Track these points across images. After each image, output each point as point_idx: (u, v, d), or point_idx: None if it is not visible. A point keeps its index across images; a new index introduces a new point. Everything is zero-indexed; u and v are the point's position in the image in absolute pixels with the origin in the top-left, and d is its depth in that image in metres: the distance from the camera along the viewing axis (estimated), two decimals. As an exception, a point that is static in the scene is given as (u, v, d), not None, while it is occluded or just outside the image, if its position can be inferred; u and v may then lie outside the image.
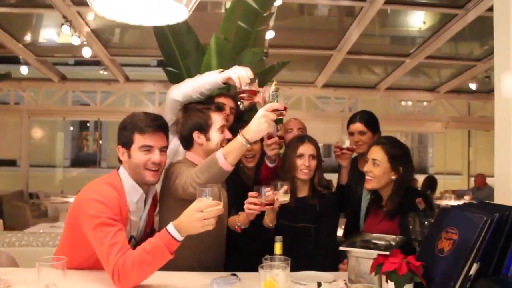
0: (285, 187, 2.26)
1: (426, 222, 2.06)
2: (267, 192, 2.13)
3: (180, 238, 1.77)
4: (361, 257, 1.96)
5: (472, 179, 11.53)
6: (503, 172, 1.84)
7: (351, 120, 3.08)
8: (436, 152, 14.55)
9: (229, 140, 2.22)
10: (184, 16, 1.90)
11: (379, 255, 1.83)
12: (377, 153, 2.41)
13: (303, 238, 2.53)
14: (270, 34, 5.82)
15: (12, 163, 10.04)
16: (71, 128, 15.34)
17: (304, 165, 2.57)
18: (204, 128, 2.25)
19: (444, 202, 8.25)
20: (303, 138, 2.69)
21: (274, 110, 1.91)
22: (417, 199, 2.07)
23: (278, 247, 1.99)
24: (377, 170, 2.39)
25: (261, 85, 3.82)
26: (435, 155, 14.94)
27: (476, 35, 6.84)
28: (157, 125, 2.05)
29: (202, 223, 1.73)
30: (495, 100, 1.89)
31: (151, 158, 2.02)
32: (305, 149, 2.60)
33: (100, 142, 13.28)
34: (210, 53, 3.53)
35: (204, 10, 5.76)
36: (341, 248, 1.97)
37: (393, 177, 2.39)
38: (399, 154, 2.42)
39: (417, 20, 6.60)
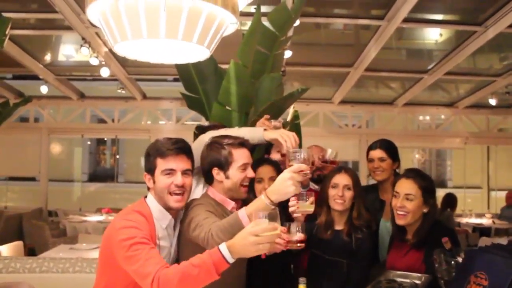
0: (311, 199, 2.15)
1: (452, 262, 2.02)
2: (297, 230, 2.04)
3: (230, 260, 1.68)
4: (387, 300, 1.92)
5: (493, 193, 11.41)
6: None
7: (371, 147, 3.07)
8: (455, 166, 14.36)
9: (251, 179, 2.19)
10: (205, 56, 1.89)
11: (405, 299, 1.79)
12: (411, 187, 2.35)
13: (334, 272, 2.50)
14: (287, 54, 5.81)
15: (31, 178, 10.17)
16: (89, 143, 15.50)
17: (337, 195, 2.52)
18: (223, 165, 2.14)
19: (464, 220, 8.13)
20: (340, 168, 2.65)
21: (301, 171, 1.88)
22: (443, 239, 2.02)
23: (301, 289, 1.95)
24: (411, 204, 2.33)
25: (281, 109, 3.84)
26: (453, 168, 14.75)
27: (496, 50, 6.76)
28: (178, 147, 2.03)
29: (256, 247, 1.66)
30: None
31: (174, 181, 2.00)
32: (340, 179, 2.55)
33: (118, 156, 13.39)
34: (228, 79, 3.51)
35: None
36: (366, 290, 1.93)
37: (425, 210, 2.35)
38: (429, 187, 2.38)
39: (434, 33, 6.55)
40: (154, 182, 2.05)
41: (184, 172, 2.04)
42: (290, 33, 5.02)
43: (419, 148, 12.28)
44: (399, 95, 8.79)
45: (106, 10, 1.66)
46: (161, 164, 2.02)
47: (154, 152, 2.04)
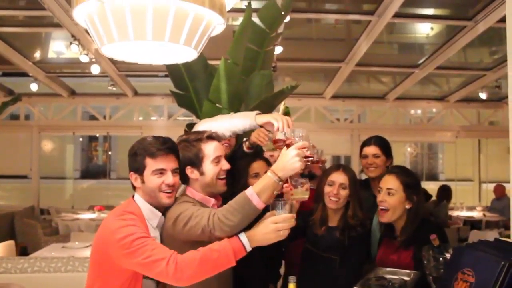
0: (307, 186, 2.13)
1: (441, 259, 2.04)
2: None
3: (249, 248, 1.81)
4: (376, 297, 1.93)
5: (484, 185, 11.50)
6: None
7: (365, 143, 3.08)
8: (447, 159, 14.46)
9: (228, 171, 2.16)
10: (193, 56, 1.89)
11: (394, 297, 1.80)
12: (392, 182, 2.37)
13: (326, 268, 2.51)
14: (278, 49, 5.81)
15: (23, 175, 10.11)
16: (81, 139, 15.43)
17: (332, 192, 2.52)
18: (196, 163, 2.10)
19: (455, 213, 8.19)
20: (339, 166, 2.64)
21: (304, 148, 1.92)
22: (431, 236, 2.03)
23: (291, 288, 1.95)
24: (392, 199, 2.35)
25: (272, 107, 3.85)
26: (445, 161, 14.85)
27: (486, 43, 6.80)
28: (168, 147, 2.03)
29: (277, 234, 1.82)
30: (510, 137, 1.86)
31: (165, 180, 2.01)
32: (337, 177, 2.55)
33: (110, 153, 13.34)
34: (218, 77, 3.51)
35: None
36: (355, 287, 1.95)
37: (408, 206, 2.36)
38: (413, 183, 2.40)
39: (425, 27, 6.58)
40: (143, 181, 2.04)
41: (174, 171, 2.05)
42: (281, 29, 5.02)
43: (411, 142, 12.33)
44: (390, 89, 8.82)
45: (92, 12, 1.65)
46: (152, 164, 2.01)
47: (143, 152, 2.02)
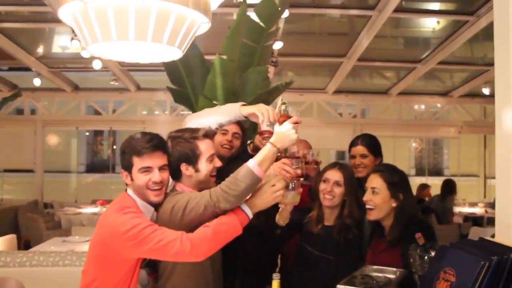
0: (299, 189, 2.19)
1: (426, 257, 2.04)
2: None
3: (251, 215, 1.97)
4: (360, 295, 1.94)
5: (489, 181, 11.43)
6: (504, 210, 1.81)
7: (353, 143, 3.05)
8: (452, 154, 14.38)
9: (219, 168, 2.21)
10: (178, 56, 1.90)
11: (376, 295, 1.81)
12: (376, 181, 2.38)
13: (321, 268, 2.51)
14: (278, 45, 5.80)
15: (29, 169, 10.15)
16: (87, 134, 15.51)
17: (326, 190, 2.53)
18: (192, 160, 2.14)
19: (457, 209, 8.16)
20: (335, 164, 2.66)
21: (296, 123, 2.08)
22: (416, 235, 2.03)
23: (275, 285, 1.97)
24: (377, 198, 2.36)
25: (266, 104, 3.84)
26: (450, 157, 14.76)
27: (489, 37, 6.72)
28: (153, 145, 2.05)
29: (274, 195, 2.00)
30: (496, 138, 1.85)
31: (152, 178, 2.04)
32: (332, 174, 2.56)
33: (114, 147, 13.41)
34: (214, 74, 3.52)
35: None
36: (339, 286, 1.96)
37: (394, 204, 2.36)
38: (398, 181, 2.40)
39: (431, 20, 6.52)
40: (132, 179, 2.08)
41: (161, 168, 2.08)
42: (281, 24, 5.00)
43: (415, 137, 12.27)
44: (393, 84, 8.76)
45: (76, 12, 1.67)
46: (138, 162, 2.05)
47: (130, 151, 2.06)
